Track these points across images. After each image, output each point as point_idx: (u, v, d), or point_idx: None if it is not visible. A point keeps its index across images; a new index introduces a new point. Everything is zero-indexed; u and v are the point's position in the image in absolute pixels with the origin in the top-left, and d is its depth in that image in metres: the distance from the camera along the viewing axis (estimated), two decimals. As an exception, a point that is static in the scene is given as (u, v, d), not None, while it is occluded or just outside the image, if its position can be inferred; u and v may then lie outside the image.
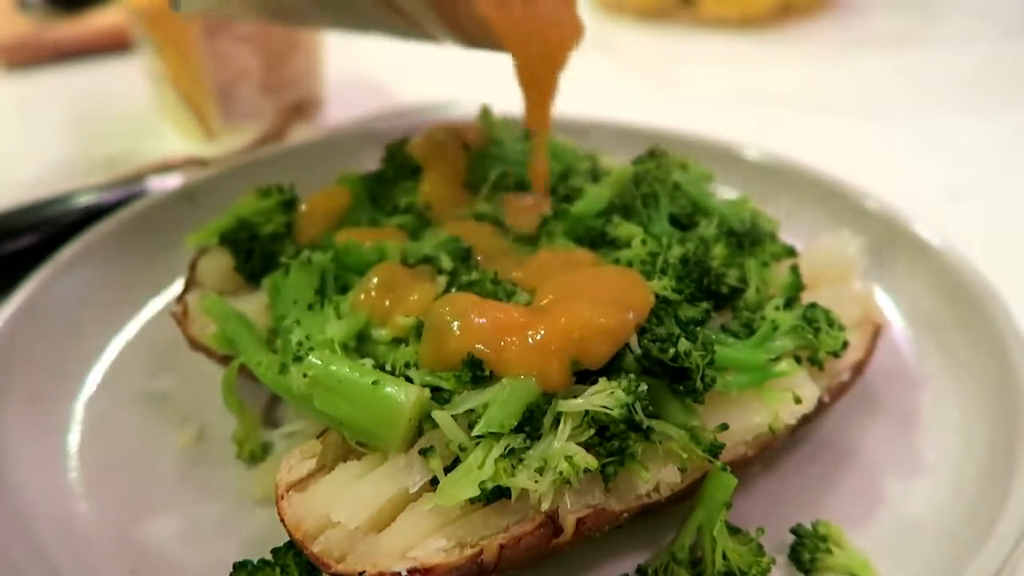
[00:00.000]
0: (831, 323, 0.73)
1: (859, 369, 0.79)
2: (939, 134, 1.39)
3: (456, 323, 0.65)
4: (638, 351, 0.65)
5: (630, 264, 0.75)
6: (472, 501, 0.59)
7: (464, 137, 0.94)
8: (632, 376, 0.63)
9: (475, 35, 0.78)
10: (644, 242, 0.76)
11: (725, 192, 0.97)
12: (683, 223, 0.83)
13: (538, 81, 0.80)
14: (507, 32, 0.75)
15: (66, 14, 1.71)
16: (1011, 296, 0.85)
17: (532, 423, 0.61)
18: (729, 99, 1.52)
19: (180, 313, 0.82)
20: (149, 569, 0.70)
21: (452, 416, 0.61)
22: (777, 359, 0.70)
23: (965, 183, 1.24)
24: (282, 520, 0.63)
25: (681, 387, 0.64)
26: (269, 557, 0.65)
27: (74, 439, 0.82)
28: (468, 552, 0.60)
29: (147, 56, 1.40)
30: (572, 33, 0.78)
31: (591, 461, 0.60)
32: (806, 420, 0.72)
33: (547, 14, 0.76)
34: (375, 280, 0.74)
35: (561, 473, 0.59)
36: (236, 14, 1.04)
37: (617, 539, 0.71)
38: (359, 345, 0.71)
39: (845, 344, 0.73)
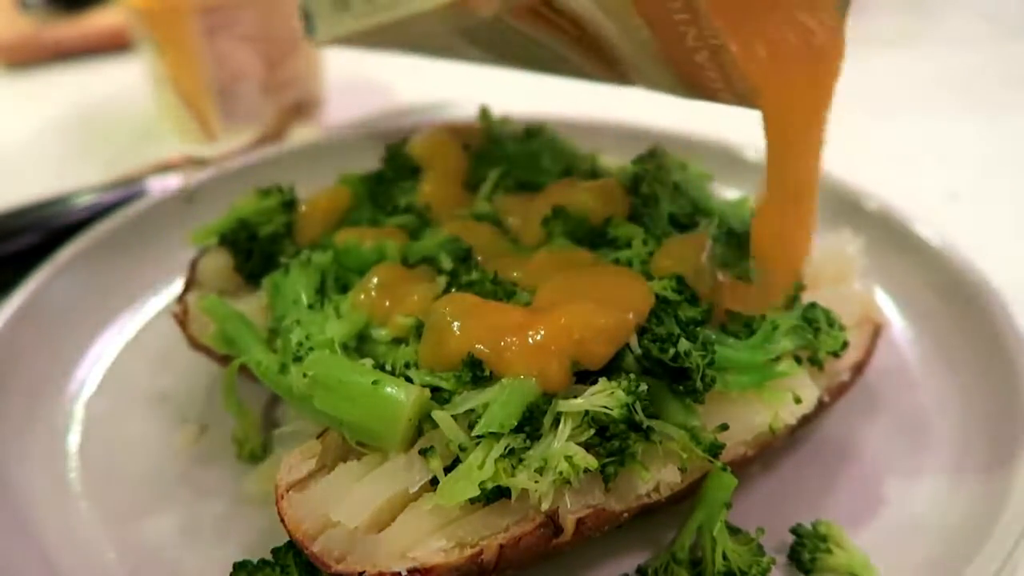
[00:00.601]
0: (831, 323, 0.73)
1: (859, 369, 0.79)
2: (939, 134, 1.39)
3: (456, 323, 0.65)
4: (638, 351, 0.65)
5: (630, 264, 0.75)
6: (472, 501, 0.59)
7: (464, 137, 0.94)
8: (632, 376, 0.63)
9: (711, 83, 0.67)
10: (644, 242, 0.76)
11: (725, 192, 0.97)
12: (683, 223, 0.83)
13: (799, 130, 0.65)
14: (766, 79, 0.62)
15: (66, 14, 1.71)
16: (1011, 296, 0.85)
17: (532, 423, 0.61)
18: (729, 99, 1.52)
19: (180, 313, 0.82)
20: (149, 569, 0.70)
21: (452, 416, 0.61)
22: (777, 359, 0.70)
23: (965, 183, 1.24)
24: (282, 520, 0.63)
25: (681, 387, 0.64)
26: (269, 557, 0.65)
27: (74, 439, 0.82)
28: (468, 552, 0.60)
29: (147, 56, 1.40)
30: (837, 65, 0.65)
31: (591, 461, 0.60)
32: (806, 420, 0.72)
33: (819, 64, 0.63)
34: (375, 280, 0.74)
35: (561, 473, 0.59)
36: (372, 46, 0.99)
37: (617, 539, 0.71)
38: (359, 345, 0.71)
39: (845, 344, 0.73)
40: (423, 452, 0.61)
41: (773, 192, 0.68)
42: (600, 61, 0.75)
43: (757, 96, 0.65)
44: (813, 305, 0.74)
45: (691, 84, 0.69)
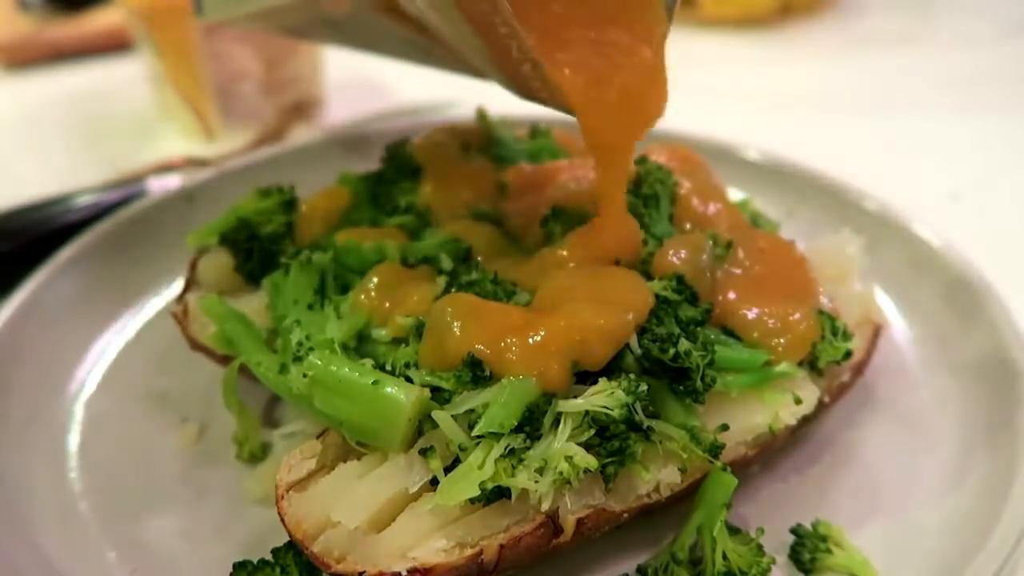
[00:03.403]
0: (835, 331, 0.73)
1: (859, 369, 0.79)
2: (939, 134, 1.39)
3: (456, 323, 0.65)
4: (638, 351, 0.65)
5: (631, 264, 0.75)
6: (472, 501, 0.59)
7: (464, 137, 0.94)
8: (632, 376, 0.63)
9: (538, 91, 0.70)
10: (644, 242, 0.76)
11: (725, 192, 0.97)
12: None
13: (609, 148, 0.72)
14: (581, 100, 0.67)
15: (65, 14, 1.71)
16: (1011, 296, 0.85)
17: (532, 423, 0.61)
18: (729, 99, 1.52)
19: (180, 313, 0.82)
20: (149, 569, 0.70)
21: (452, 416, 0.61)
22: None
23: (965, 183, 1.24)
24: (282, 520, 0.63)
25: (681, 387, 0.64)
26: (269, 557, 0.65)
27: (74, 439, 0.82)
28: (468, 552, 0.60)
29: (147, 56, 1.40)
30: (656, 111, 0.69)
31: (591, 461, 0.60)
32: (806, 421, 0.72)
33: (631, 88, 0.68)
34: (375, 280, 0.74)
35: (561, 473, 0.59)
36: (255, 27, 1.05)
37: (617, 539, 0.71)
38: (359, 345, 0.71)
39: (848, 354, 0.73)
40: (423, 452, 0.61)
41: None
42: (456, 57, 0.77)
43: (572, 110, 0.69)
44: (819, 311, 0.73)
45: (523, 89, 0.71)
